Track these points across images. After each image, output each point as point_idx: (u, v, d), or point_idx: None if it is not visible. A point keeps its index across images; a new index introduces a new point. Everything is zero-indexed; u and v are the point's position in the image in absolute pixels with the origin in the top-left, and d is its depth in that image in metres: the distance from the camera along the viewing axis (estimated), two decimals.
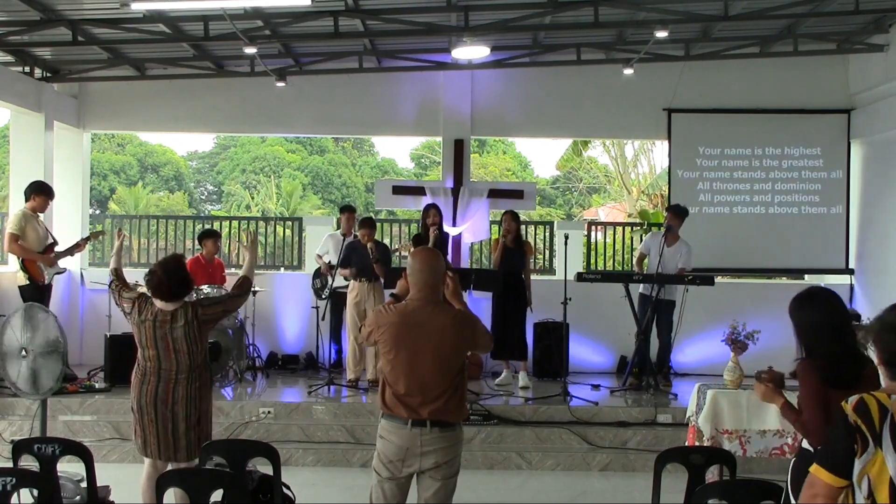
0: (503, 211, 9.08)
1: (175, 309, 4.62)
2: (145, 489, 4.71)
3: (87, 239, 8.72)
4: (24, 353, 5.16)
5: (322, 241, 9.54)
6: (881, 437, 2.49)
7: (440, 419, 3.79)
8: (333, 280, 8.70)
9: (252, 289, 9.02)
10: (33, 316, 5.22)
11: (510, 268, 8.54)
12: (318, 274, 9.38)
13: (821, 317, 3.43)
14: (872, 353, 2.77)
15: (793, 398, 3.47)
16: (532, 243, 9.52)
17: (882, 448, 2.48)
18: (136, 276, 9.57)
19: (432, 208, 8.98)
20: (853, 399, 2.56)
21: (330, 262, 8.97)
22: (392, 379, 3.85)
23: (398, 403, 3.81)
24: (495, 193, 10.16)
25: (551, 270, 11.15)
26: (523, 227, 9.16)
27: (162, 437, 4.61)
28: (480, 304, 9.23)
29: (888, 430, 2.49)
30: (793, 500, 3.29)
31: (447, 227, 9.45)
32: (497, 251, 8.55)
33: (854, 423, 2.52)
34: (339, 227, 9.95)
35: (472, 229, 10.00)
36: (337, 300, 8.97)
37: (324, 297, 8.95)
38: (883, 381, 2.65)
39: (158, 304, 4.63)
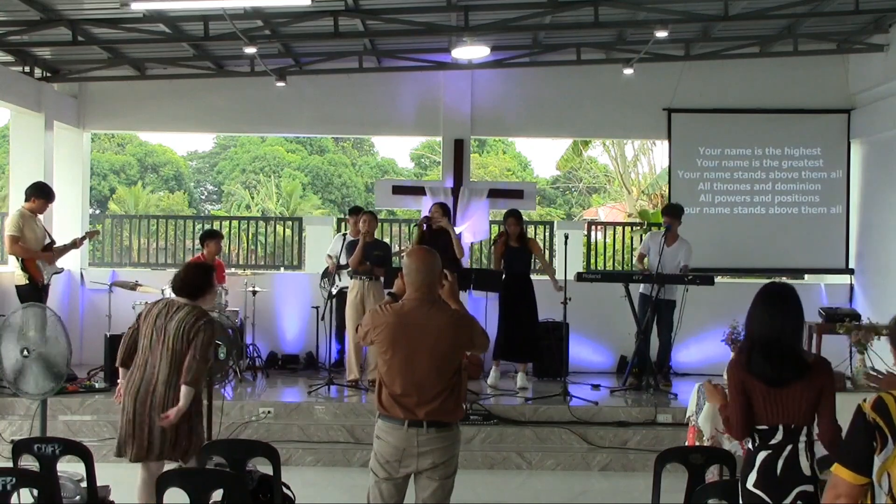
0: (504, 211, 8.97)
1: (182, 304, 4.72)
2: (141, 493, 4.72)
3: (84, 238, 8.73)
4: (25, 353, 5.16)
5: (332, 241, 9.53)
6: None
7: (437, 419, 3.79)
8: (340, 279, 8.72)
9: (255, 290, 9.22)
10: (33, 315, 5.21)
11: (517, 268, 8.45)
12: (325, 274, 9.39)
13: (760, 313, 3.41)
14: (874, 354, 2.78)
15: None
16: (539, 243, 9.48)
17: None
18: (135, 275, 9.67)
19: (434, 205, 8.87)
20: (871, 398, 2.61)
21: (338, 261, 8.98)
22: (388, 379, 3.84)
23: (394, 404, 3.80)
24: (495, 193, 10.16)
25: (551, 270, 11.11)
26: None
27: (137, 437, 4.61)
28: (480, 303, 9.23)
29: None
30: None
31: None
32: (496, 252, 8.44)
33: (872, 420, 2.56)
34: (342, 229, 9.98)
35: (472, 229, 9.99)
36: (341, 300, 8.98)
37: (332, 294, 8.95)
38: None
39: (171, 295, 4.87)
